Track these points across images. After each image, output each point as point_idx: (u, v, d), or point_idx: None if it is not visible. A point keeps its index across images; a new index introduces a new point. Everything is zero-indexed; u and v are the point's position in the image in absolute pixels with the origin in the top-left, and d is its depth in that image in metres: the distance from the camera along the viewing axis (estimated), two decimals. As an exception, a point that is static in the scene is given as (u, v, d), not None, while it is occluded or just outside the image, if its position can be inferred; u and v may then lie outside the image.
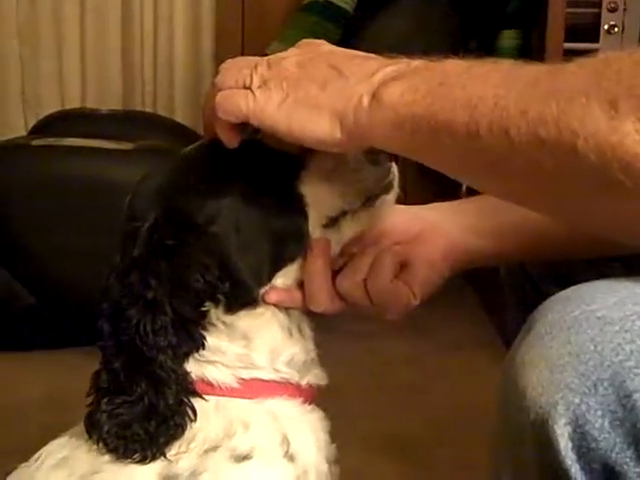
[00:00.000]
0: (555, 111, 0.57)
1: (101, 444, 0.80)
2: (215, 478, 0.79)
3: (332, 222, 0.85)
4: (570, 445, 0.59)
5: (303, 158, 0.86)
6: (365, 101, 0.70)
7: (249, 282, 0.82)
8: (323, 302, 0.85)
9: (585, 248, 0.88)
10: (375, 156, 0.84)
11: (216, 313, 0.83)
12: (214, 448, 0.80)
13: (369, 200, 0.85)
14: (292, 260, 0.85)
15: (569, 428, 0.59)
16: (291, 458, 0.82)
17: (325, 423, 0.88)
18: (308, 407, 0.87)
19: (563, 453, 0.59)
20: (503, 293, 1.21)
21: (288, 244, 0.84)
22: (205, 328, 0.82)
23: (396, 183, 0.87)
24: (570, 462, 0.59)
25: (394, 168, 0.86)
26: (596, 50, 3.12)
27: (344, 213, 0.85)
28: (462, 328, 2.60)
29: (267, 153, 0.86)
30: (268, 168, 0.85)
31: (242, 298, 0.83)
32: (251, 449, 0.80)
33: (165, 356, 0.79)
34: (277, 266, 0.84)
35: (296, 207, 0.84)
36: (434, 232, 0.90)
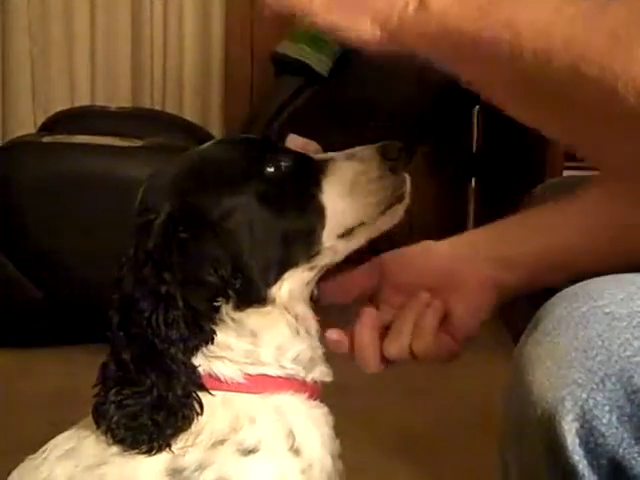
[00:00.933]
0: (598, 49, 0.57)
1: (109, 434, 0.80)
2: (221, 471, 0.79)
3: (348, 232, 0.86)
4: (577, 441, 0.59)
5: (323, 165, 0.86)
6: (411, 7, 0.70)
7: (257, 281, 0.83)
8: (372, 367, 0.89)
9: (617, 264, 0.87)
10: (394, 163, 0.85)
11: (226, 309, 0.83)
12: (221, 442, 0.80)
13: (385, 209, 0.86)
14: (298, 264, 0.85)
15: (576, 424, 0.59)
16: (296, 452, 0.83)
17: (330, 418, 0.89)
18: (313, 402, 0.87)
19: (570, 449, 0.59)
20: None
21: (298, 249, 0.84)
22: (215, 323, 0.82)
23: (408, 193, 0.88)
24: (578, 458, 0.59)
25: (408, 178, 0.87)
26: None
27: (362, 224, 0.86)
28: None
29: (287, 156, 0.87)
30: (287, 171, 0.86)
31: (250, 296, 0.83)
32: (257, 443, 0.81)
33: (176, 349, 0.79)
34: (284, 269, 0.85)
35: (314, 216, 0.84)
36: (468, 274, 0.90)
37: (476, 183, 3.22)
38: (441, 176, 3.05)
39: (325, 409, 0.89)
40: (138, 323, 0.79)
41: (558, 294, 0.64)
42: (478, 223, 3.42)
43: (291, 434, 0.83)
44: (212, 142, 0.91)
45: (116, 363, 0.81)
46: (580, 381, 0.59)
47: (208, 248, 0.81)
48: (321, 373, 0.89)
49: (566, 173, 2.26)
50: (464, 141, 3.19)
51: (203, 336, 0.81)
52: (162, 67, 3.09)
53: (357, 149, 0.89)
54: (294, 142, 0.93)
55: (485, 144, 3.12)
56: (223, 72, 3.12)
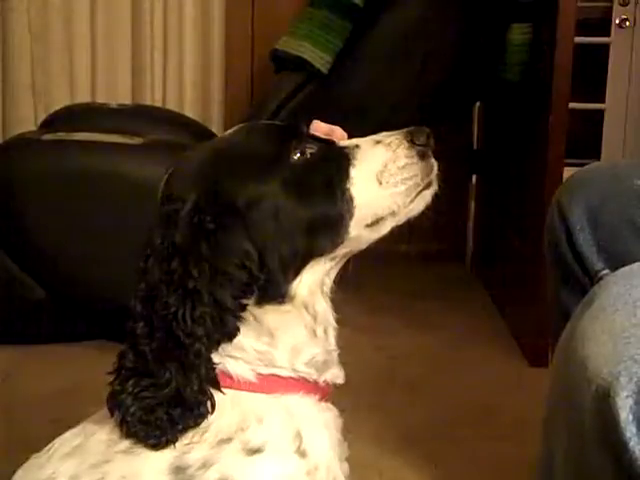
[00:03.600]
0: None
1: (123, 426, 0.79)
2: (226, 470, 0.78)
3: (376, 221, 0.85)
4: (630, 418, 0.59)
5: (350, 152, 0.85)
6: None
7: (278, 275, 0.82)
8: None
9: None
10: (423, 149, 0.84)
11: (249, 305, 0.82)
12: (226, 440, 0.80)
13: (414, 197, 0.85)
14: (322, 254, 0.84)
15: (631, 400, 0.59)
16: (302, 454, 0.82)
17: (339, 422, 0.88)
18: (324, 405, 0.87)
19: (623, 425, 0.59)
20: (546, 268, 1.19)
21: (323, 239, 0.83)
22: (240, 320, 0.81)
23: (436, 179, 0.87)
24: (629, 435, 0.59)
25: (436, 164, 0.86)
26: (607, 44, 3.13)
27: (391, 213, 0.85)
28: (471, 323, 2.61)
29: (313, 142, 0.86)
30: (313, 158, 0.85)
31: (271, 291, 0.82)
32: (263, 443, 0.80)
33: (200, 344, 0.78)
34: (306, 260, 0.83)
35: (343, 205, 0.83)
36: None
37: (477, 180, 3.22)
38: (441, 173, 3.05)
39: (335, 412, 0.89)
40: (162, 316, 0.78)
41: (613, 273, 0.64)
42: (479, 221, 3.44)
43: (299, 436, 0.82)
44: (237, 128, 0.89)
45: (135, 353, 0.80)
46: (637, 357, 0.59)
47: (236, 240, 0.80)
48: (333, 375, 0.88)
49: (567, 170, 2.26)
50: (465, 138, 3.19)
51: (227, 332, 0.80)
52: (162, 64, 3.08)
53: (383, 135, 0.87)
54: (318, 128, 0.92)
55: (486, 141, 3.12)
56: (223, 69, 3.12)
